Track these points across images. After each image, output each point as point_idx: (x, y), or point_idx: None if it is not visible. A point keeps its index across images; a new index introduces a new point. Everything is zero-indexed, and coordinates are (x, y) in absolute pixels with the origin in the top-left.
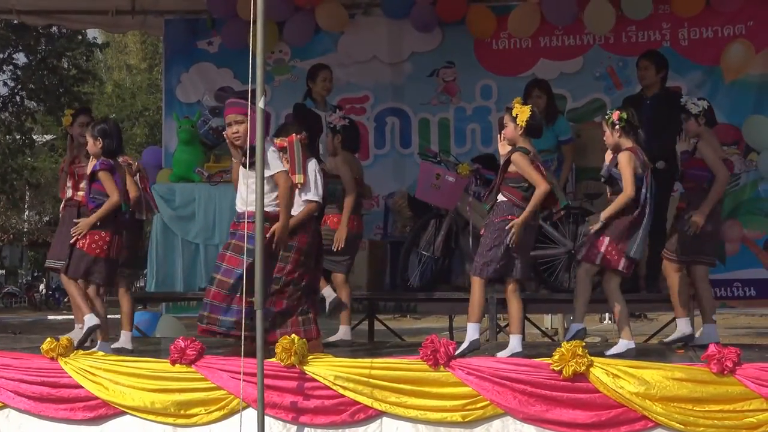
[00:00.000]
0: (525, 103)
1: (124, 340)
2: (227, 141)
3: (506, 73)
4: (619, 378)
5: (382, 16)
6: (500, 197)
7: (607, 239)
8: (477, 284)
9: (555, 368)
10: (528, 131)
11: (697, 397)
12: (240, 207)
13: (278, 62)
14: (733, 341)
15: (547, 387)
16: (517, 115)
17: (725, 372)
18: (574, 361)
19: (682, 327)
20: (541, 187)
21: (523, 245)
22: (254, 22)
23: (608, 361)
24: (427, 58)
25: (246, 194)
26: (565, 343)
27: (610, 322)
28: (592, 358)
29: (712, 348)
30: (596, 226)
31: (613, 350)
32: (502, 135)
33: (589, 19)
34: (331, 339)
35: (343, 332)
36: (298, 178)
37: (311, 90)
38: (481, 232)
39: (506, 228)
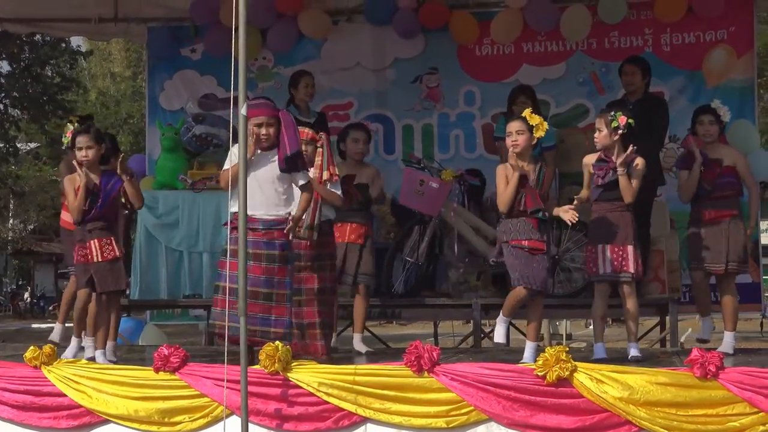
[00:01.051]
0: (510, 109)
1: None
2: (252, 139)
3: (489, 79)
4: (603, 383)
5: (365, 22)
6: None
7: (602, 246)
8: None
9: (539, 373)
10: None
11: (680, 402)
12: (258, 212)
13: (262, 69)
14: (716, 346)
15: (531, 392)
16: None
17: (708, 376)
18: (558, 366)
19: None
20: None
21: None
22: (237, 29)
23: (592, 366)
24: (410, 64)
25: (277, 198)
26: (549, 348)
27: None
28: (576, 363)
29: (695, 352)
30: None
31: (635, 353)
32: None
33: (565, 26)
34: None
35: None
36: (335, 169)
37: (294, 97)
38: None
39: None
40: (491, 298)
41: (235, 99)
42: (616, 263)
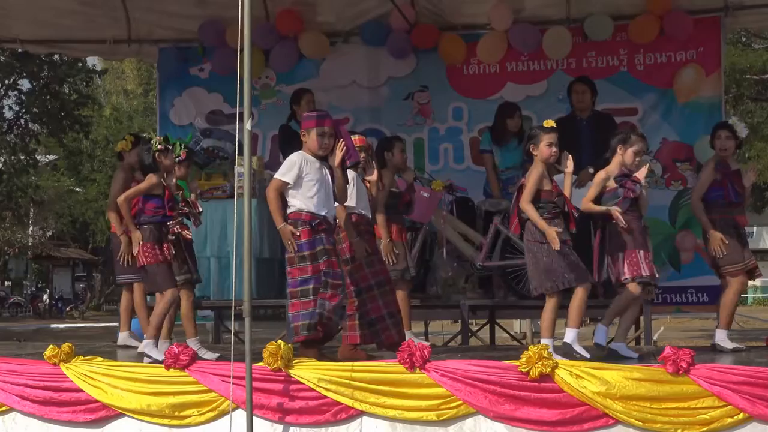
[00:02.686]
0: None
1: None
2: (317, 146)
3: (476, 96)
4: (582, 378)
5: (360, 43)
6: None
7: (642, 252)
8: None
9: (523, 370)
10: None
11: (654, 396)
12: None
13: (264, 87)
14: (687, 343)
15: (516, 387)
16: None
17: (680, 372)
18: (541, 363)
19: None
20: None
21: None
22: (242, 50)
23: (572, 363)
24: (402, 82)
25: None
26: (531, 346)
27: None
28: (557, 360)
29: (667, 350)
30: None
31: (629, 354)
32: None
33: (547, 45)
34: None
35: None
36: (377, 174)
37: (296, 112)
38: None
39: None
40: (478, 300)
41: (240, 115)
42: (649, 267)
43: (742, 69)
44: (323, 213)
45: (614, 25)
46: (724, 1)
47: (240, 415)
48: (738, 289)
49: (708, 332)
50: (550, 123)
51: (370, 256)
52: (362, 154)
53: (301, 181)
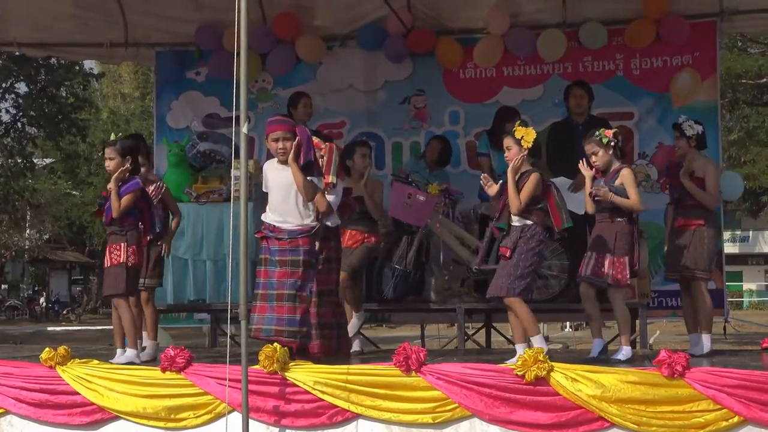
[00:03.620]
0: (504, 127)
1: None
2: (273, 152)
3: (473, 100)
4: (578, 381)
5: (357, 47)
6: (527, 221)
7: (608, 258)
8: (519, 303)
9: (518, 373)
10: (532, 152)
11: (649, 399)
12: (274, 219)
13: (261, 91)
14: (683, 347)
15: (511, 390)
16: (522, 137)
17: (675, 375)
18: (536, 366)
19: (707, 343)
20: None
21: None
22: (238, 53)
23: (567, 366)
24: (399, 86)
25: (298, 208)
26: (527, 349)
27: (570, 330)
28: (553, 363)
29: (663, 353)
30: (605, 191)
31: (619, 356)
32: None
33: (542, 46)
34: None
35: None
36: (332, 179)
37: (293, 116)
38: (507, 254)
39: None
40: (474, 303)
41: (237, 118)
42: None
43: (737, 73)
44: (267, 220)
45: (610, 30)
46: (720, 5)
47: (236, 418)
48: (706, 298)
49: None
50: (518, 124)
51: (327, 263)
52: (321, 158)
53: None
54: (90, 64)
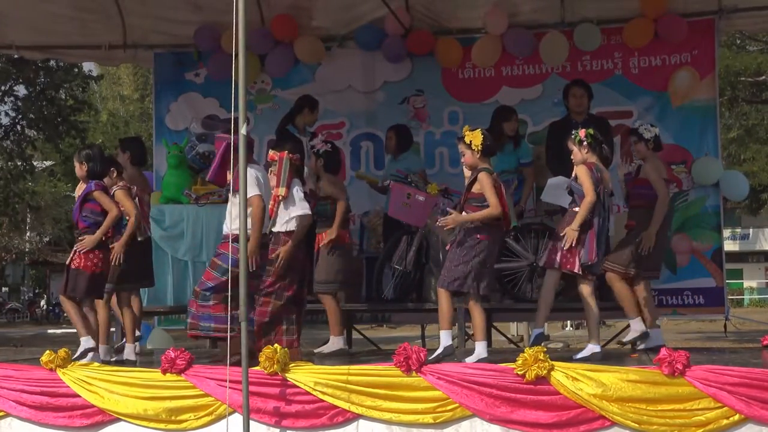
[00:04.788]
0: (501, 126)
1: (128, 351)
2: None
3: (472, 100)
4: (578, 381)
5: (356, 48)
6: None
7: (559, 245)
8: (444, 295)
9: (519, 372)
10: (485, 152)
11: (650, 398)
12: (224, 229)
13: (260, 92)
14: (684, 345)
15: (512, 390)
16: (471, 141)
17: (676, 374)
18: (536, 365)
19: (636, 326)
20: (493, 211)
21: (486, 261)
22: (237, 55)
23: (568, 365)
24: (398, 86)
25: (229, 217)
26: (528, 348)
27: (571, 329)
28: (553, 362)
29: (663, 352)
30: (571, 237)
31: (580, 354)
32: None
33: (544, 51)
34: (326, 350)
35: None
36: (281, 191)
37: (295, 117)
38: (447, 247)
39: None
40: None
41: (236, 119)
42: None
43: (736, 71)
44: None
45: (608, 29)
46: (719, 3)
47: (237, 419)
48: (621, 288)
49: (705, 334)
50: (466, 128)
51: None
52: (272, 169)
53: None
54: (89, 66)
